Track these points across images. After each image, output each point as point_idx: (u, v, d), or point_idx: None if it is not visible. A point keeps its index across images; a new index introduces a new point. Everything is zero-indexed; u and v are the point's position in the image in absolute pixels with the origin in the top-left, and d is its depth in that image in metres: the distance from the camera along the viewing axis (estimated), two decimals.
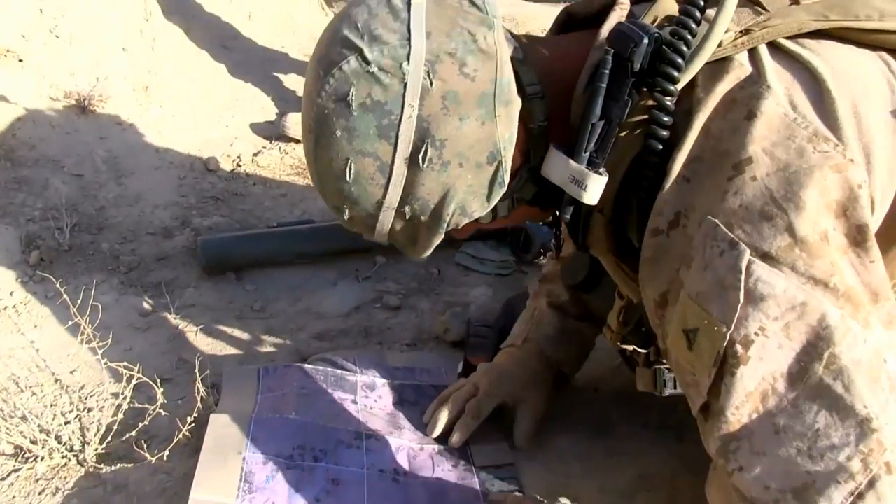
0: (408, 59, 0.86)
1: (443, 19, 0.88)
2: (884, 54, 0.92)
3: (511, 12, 3.42)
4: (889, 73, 0.91)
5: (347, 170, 0.90)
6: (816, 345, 0.80)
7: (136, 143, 2.29)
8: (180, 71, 2.55)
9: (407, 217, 0.94)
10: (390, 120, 0.87)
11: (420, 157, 0.88)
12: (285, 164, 2.34)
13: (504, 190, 0.93)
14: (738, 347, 0.82)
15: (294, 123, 2.41)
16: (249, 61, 2.74)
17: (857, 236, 0.82)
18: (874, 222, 0.87)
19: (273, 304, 1.78)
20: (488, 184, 0.92)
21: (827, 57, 0.89)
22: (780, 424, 0.82)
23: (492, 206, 0.95)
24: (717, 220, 0.84)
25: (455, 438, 1.31)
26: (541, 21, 3.23)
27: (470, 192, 0.92)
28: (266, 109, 2.61)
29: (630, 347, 1.19)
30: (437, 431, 1.32)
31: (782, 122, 0.84)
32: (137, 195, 2.10)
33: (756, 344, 0.81)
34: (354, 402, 1.39)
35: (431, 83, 0.87)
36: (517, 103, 0.91)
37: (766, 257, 0.81)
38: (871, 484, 0.78)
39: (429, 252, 1.01)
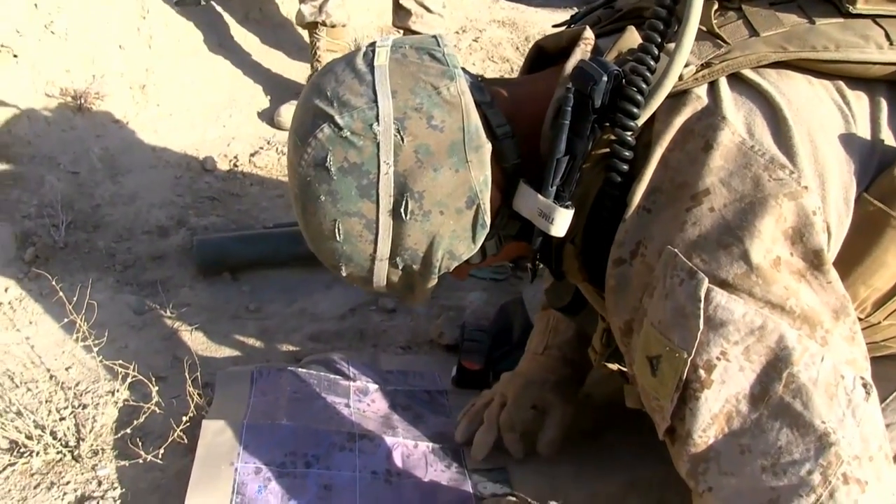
0: (377, 119, 0.90)
1: (406, 77, 0.93)
2: (839, 83, 0.95)
3: (511, 16, 3.43)
4: (843, 103, 0.94)
5: (336, 230, 0.94)
6: (776, 365, 0.84)
7: (133, 142, 2.30)
8: (177, 70, 2.55)
9: (400, 267, 0.98)
10: (369, 179, 0.91)
11: (402, 210, 0.92)
12: (282, 164, 2.34)
13: (487, 230, 0.97)
14: (701, 372, 0.85)
15: (287, 116, 2.42)
16: (246, 61, 2.75)
17: (814, 260, 0.85)
18: (832, 247, 0.90)
19: (268, 305, 1.79)
20: (471, 226, 0.96)
21: (784, 89, 0.92)
22: (744, 444, 0.85)
23: (478, 246, 0.98)
24: (676, 250, 0.87)
25: (516, 454, 1.30)
26: (539, 26, 3.24)
27: (455, 236, 0.95)
28: (264, 110, 2.62)
29: (614, 366, 1.22)
30: (483, 455, 1.29)
31: (739, 151, 0.87)
32: (133, 194, 2.10)
33: (718, 368, 0.85)
34: (347, 405, 1.40)
35: (403, 140, 0.90)
36: (487, 147, 0.94)
37: (725, 285, 0.85)
38: (831, 495, 0.82)
39: (427, 298, 1.04)
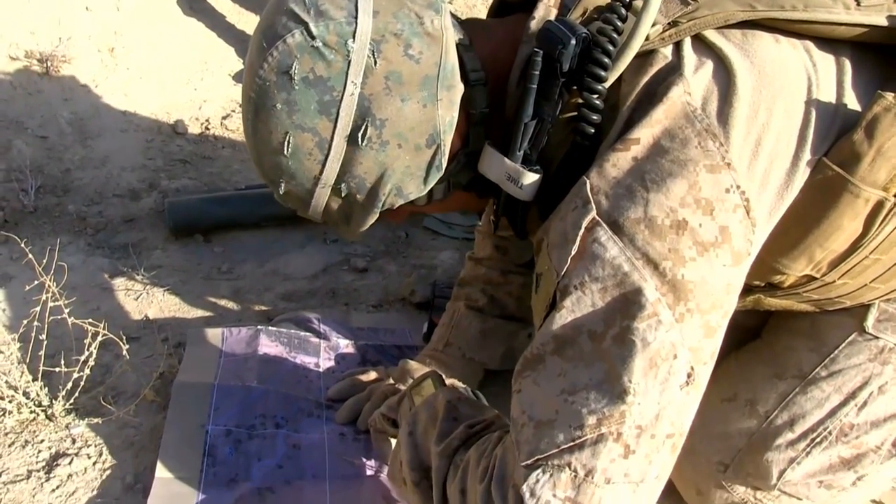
0: (353, 36, 0.87)
1: (391, 0, 0.90)
2: (808, 43, 0.94)
3: None
4: (810, 63, 0.93)
5: (286, 144, 0.91)
6: (621, 314, 0.84)
7: (102, 106, 2.27)
8: (147, 33, 2.51)
9: (342, 195, 0.96)
10: (332, 96, 0.88)
11: (359, 135, 0.90)
12: None
13: (441, 174, 0.96)
14: (558, 294, 0.87)
15: None
16: (218, 24, 2.71)
17: (718, 236, 0.85)
18: (757, 220, 0.88)
19: (240, 265, 1.79)
20: (426, 166, 0.94)
21: (749, 51, 0.91)
22: (564, 368, 0.86)
23: (428, 188, 0.97)
24: (587, 180, 0.87)
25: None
26: None
27: (407, 173, 0.94)
28: (236, 73, 2.59)
29: None
30: (345, 420, 1.29)
31: (681, 111, 0.86)
32: (104, 158, 2.09)
33: (573, 296, 0.86)
34: (317, 365, 1.41)
35: (375, 62, 0.88)
36: (459, 88, 0.93)
37: (613, 224, 0.85)
38: (595, 442, 0.83)
39: (362, 231, 1.02)
